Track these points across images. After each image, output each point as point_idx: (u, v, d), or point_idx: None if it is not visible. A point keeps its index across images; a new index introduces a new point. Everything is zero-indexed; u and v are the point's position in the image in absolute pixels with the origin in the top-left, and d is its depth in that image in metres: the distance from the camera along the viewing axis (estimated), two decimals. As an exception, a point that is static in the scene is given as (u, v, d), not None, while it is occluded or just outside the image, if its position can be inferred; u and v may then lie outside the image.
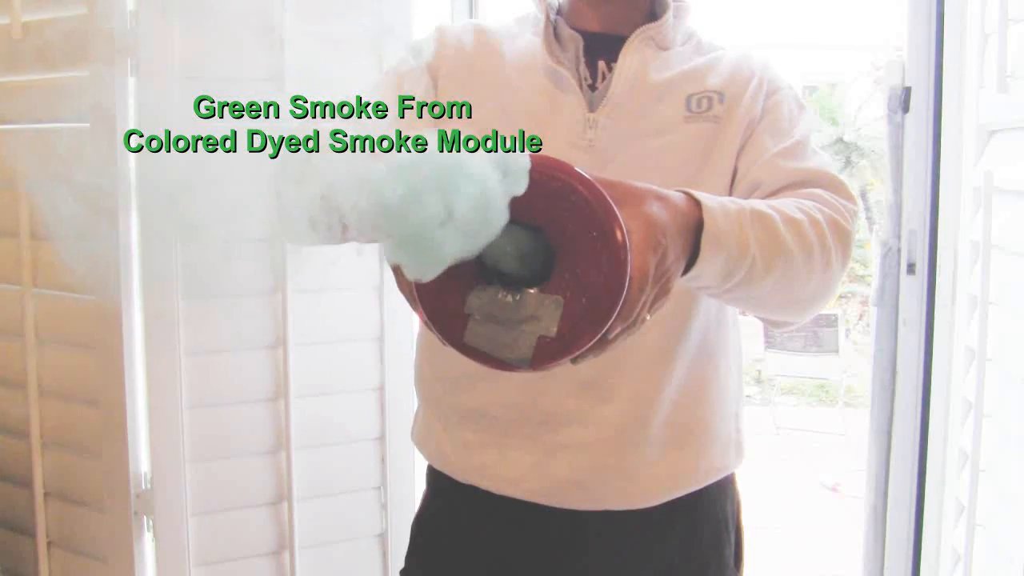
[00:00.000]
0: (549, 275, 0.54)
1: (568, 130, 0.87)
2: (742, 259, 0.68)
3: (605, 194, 0.54)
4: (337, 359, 1.69)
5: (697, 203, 0.65)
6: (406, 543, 1.03)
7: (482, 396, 0.90)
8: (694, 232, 0.64)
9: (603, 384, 0.87)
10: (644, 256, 0.56)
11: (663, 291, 0.60)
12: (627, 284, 0.53)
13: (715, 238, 0.65)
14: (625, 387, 0.87)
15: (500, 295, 0.53)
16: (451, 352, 0.94)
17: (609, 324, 0.54)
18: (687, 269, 0.64)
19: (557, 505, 0.89)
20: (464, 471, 0.93)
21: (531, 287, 0.54)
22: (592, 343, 0.54)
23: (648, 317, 0.58)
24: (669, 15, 0.91)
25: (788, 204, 0.76)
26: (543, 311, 0.53)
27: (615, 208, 0.54)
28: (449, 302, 0.54)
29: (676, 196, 0.64)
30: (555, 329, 0.53)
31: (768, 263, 0.70)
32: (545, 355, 0.54)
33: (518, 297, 0.53)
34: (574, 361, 0.56)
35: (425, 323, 0.56)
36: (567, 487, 0.88)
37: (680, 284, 0.65)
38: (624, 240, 0.53)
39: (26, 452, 1.65)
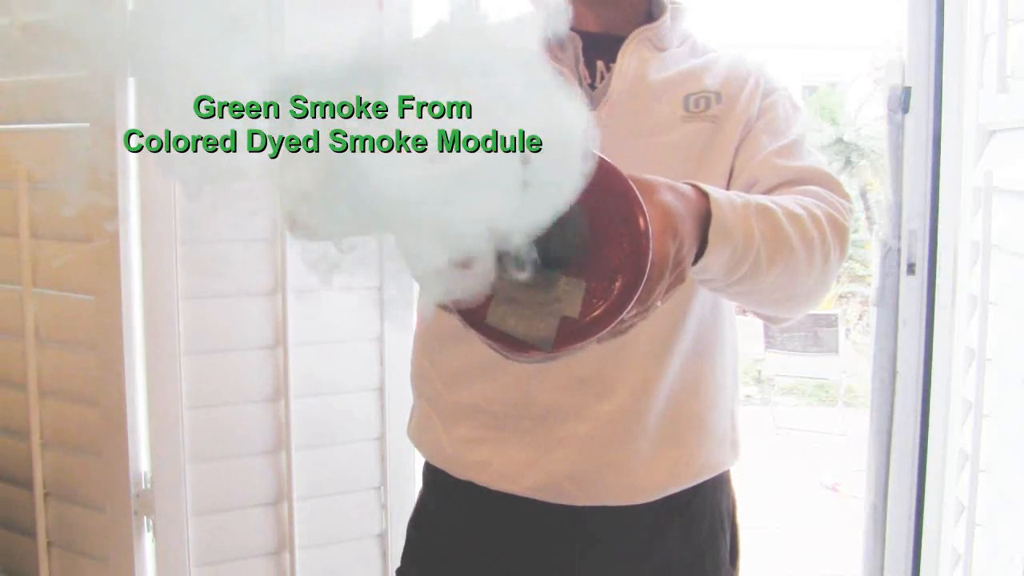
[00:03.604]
0: (571, 258, 0.54)
1: None
2: (747, 252, 0.68)
3: (629, 180, 0.54)
4: (337, 359, 1.69)
5: (704, 195, 0.66)
6: (406, 543, 1.03)
7: (479, 392, 0.90)
8: (702, 223, 0.65)
9: (600, 380, 0.87)
10: (664, 242, 0.57)
11: (678, 279, 0.61)
12: (648, 269, 0.54)
13: (723, 230, 0.66)
14: (622, 383, 0.87)
15: (523, 277, 0.54)
16: (449, 348, 0.95)
17: (629, 308, 0.54)
18: (695, 261, 0.65)
19: (554, 501, 0.89)
20: (461, 467, 0.93)
21: (554, 270, 0.54)
22: (611, 327, 0.54)
23: (660, 304, 0.59)
24: (666, 17, 0.92)
25: (788, 200, 0.77)
26: (566, 293, 0.54)
27: (638, 194, 0.54)
28: None
29: (685, 188, 0.65)
30: (578, 311, 0.53)
31: (771, 257, 0.71)
32: (566, 337, 0.54)
33: (541, 279, 0.53)
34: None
35: (443, 305, 0.56)
36: (564, 482, 0.88)
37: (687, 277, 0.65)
38: (647, 226, 0.54)
39: (26, 452, 1.65)
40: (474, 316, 0.55)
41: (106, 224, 1.49)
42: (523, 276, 0.53)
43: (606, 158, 0.54)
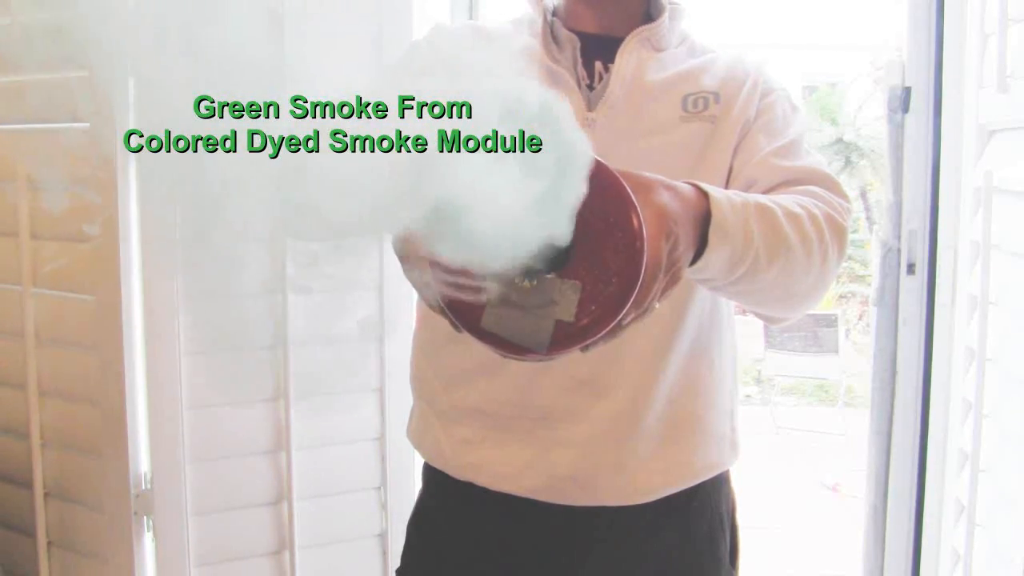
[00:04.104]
0: (566, 260, 0.54)
1: None
2: (747, 251, 0.68)
3: (622, 181, 0.54)
4: (337, 359, 1.69)
5: (704, 194, 0.66)
6: (406, 543, 1.03)
7: (479, 393, 0.90)
8: (701, 223, 0.65)
9: (599, 380, 0.87)
10: (657, 243, 0.57)
11: (674, 279, 0.61)
12: (643, 271, 0.54)
13: (723, 229, 0.66)
14: (621, 383, 0.87)
15: (518, 280, 0.53)
16: (448, 349, 0.95)
17: (625, 310, 0.54)
18: (694, 260, 0.65)
19: (554, 501, 0.89)
20: (461, 468, 0.93)
21: (548, 272, 0.54)
22: (608, 329, 0.54)
23: (657, 305, 0.59)
24: (665, 17, 0.92)
25: (787, 200, 0.77)
26: (561, 296, 0.53)
27: (632, 195, 0.54)
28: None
29: (684, 187, 0.65)
30: (573, 314, 0.53)
31: (771, 256, 0.71)
32: (562, 341, 0.54)
33: (536, 282, 0.53)
34: (584, 349, 0.56)
35: (439, 310, 0.56)
36: (563, 483, 0.88)
37: (685, 277, 0.65)
38: (640, 227, 0.54)
39: (26, 452, 1.65)
40: (469, 320, 0.55)
41: (87, 226, 1.49)
42: (518, 279, 0.53)
43: (600, 159, 0.54)
